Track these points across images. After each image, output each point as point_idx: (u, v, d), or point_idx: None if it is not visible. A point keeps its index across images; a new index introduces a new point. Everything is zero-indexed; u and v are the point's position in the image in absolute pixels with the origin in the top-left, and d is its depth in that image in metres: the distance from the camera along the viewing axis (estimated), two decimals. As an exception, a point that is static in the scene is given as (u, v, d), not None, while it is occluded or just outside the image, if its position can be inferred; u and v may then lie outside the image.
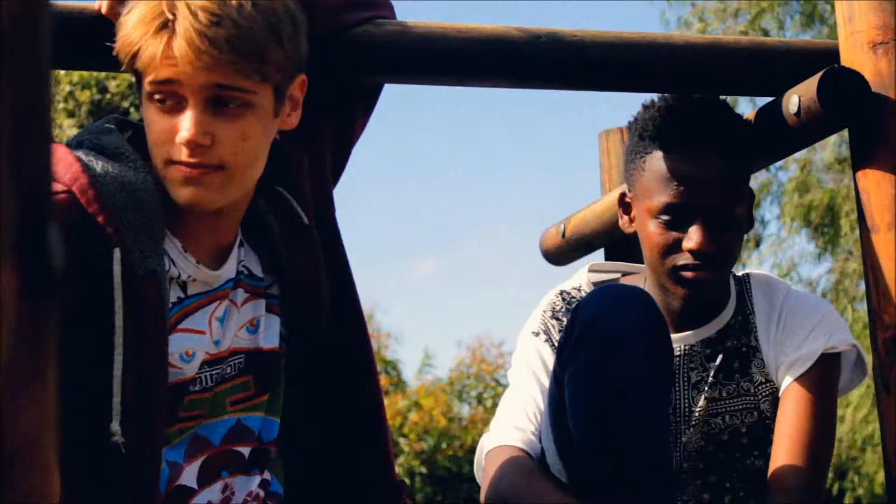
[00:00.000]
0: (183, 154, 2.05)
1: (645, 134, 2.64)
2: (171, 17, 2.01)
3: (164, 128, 2.06)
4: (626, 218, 2.73)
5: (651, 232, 2.61)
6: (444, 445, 20.87)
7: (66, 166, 2.05)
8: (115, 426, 2.01)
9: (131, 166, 2.09)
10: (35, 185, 0.70)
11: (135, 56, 2.05)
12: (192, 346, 2.15)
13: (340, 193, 2.44)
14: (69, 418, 1.97)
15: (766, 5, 13.70)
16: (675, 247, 2.58)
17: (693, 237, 2.55)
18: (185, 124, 2.04)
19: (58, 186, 2.03)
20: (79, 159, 2.06)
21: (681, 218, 2.57)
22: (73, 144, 2.14)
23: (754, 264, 14.30)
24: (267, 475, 2.27)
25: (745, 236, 2.75)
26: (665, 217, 2.58)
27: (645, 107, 2.70)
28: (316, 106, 2.29)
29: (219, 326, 2.19)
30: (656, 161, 2.60)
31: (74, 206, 2.02)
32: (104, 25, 2.20)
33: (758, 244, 14.47)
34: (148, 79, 2.06)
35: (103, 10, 2.19)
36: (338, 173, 2.47)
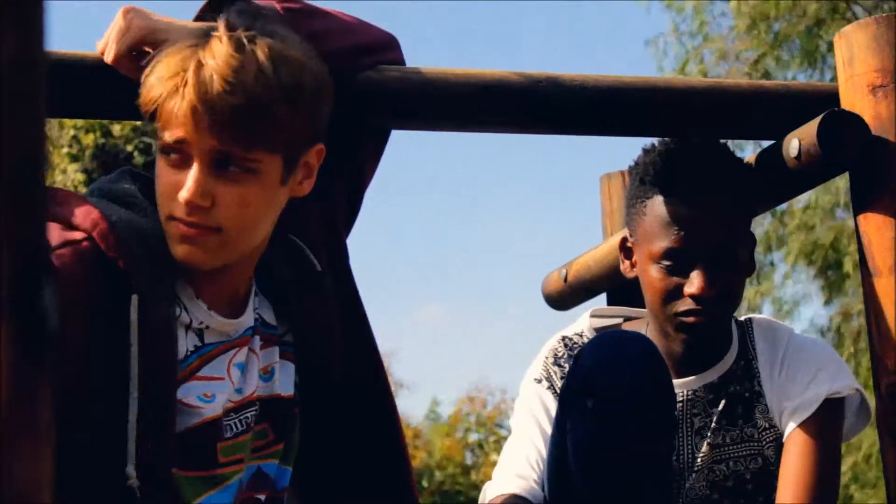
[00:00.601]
0: (182, 211, 2.07)
1: (646, 178, 2.63)
2: (189, 77, 2.03)
3: (170, 182, 2.09)
4: (627, 263, 2.73)
5: (652, 277, 2.60)
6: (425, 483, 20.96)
7: (85, 213, 2.07)
8: (130, 469, 2.01)
9: (143, 214, 2.11)
10: (31, 243, 0.70)
11: (152, 111, 2.08)
12: (209, 389, 2.16)
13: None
14: (85, 460, 1.98)
15: (767, 49, 13.71)
16: (676, 292, 2.57)
17: (694, 282, 2.54)
18: (187, 184, 2.06)
19: (77, 233, 2.05)
20: (96, 206, 2.08)
21: (682, 263, 2.57)
22: (87, 193, 2.17)
23: (757, 306, 14.27)
24: None
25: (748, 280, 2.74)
26: (666, 262, 2.58)
27: (645, 151, 2.70)
28: (325, 154, 2.31)
29: (238, 373, 2.20)
30: (657, 206, 2.60)
31: (95, 252, 2.03)
32: (105, 73, 2.22)
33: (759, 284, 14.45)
34: (161, 133, 2.08)
35: (108, 59, 2.19)
36: (351, 220, 2.48)
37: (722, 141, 2.73)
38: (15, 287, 0.68)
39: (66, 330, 1.98)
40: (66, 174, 17.65)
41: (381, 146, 2.52)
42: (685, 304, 2.56)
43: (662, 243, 2.57)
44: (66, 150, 17.87)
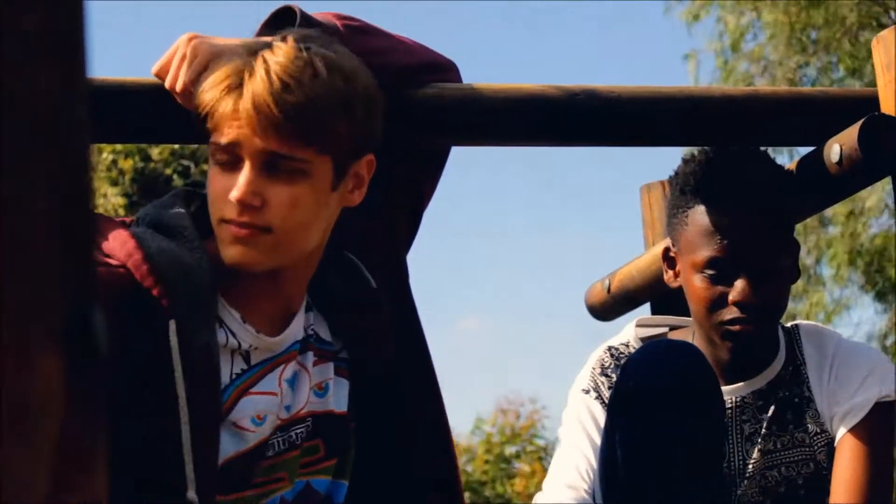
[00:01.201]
0: (233, 212, 2.09)
1: (686, 188, 2.63)
2: (245, 77, 2.07)
3: (221, 185, 2.11)
4: (670, 272, 2.73)
5: (696, 286, 2.60)
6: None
7: (121, 243, 2.09)
8: (192, 495, 2.03)
9: (188, 246, 2.12)
10: (81, 268, 0.71)
11: (204, 115, 2.11)
12: (264, 409, 2.17)
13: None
14: (143, 490, 1.99)
15: (808, 58, 13.63)
16: (721, 301, 2.57)
17: (739, 291, 2.54)
18: (239, 183, 2.08)
19: (112, 262, 2.07)
20: (133, 235, 2.10)
21: (726, 271, 2.56)
22: (139, 219, 2.19)
23: (802, 315, 14.16)
24: None
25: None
26: (710, 271, 2.57)
27: (685, 161, 2.70)
28: (381, 169, 2.33)
29: (288, 389, 2.21)
30: (699, 215, 2.60)
31: (130, 281, 2.05)
32: (148, 97, 2.25)
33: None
34: (213, 137, 2.11)
35: (178, 88, 2.20)
36: (410, 238, 2.49)
37: (762, 148, 2.72)
38: (65, 314, 0.68)
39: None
40: (107, 198, 17.74)
41: (441, 165, 2.52)
42: (731, 313, 2.56)
43: (705, 253, 2.57)
44: (104, 174, 17.97)
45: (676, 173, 2.71)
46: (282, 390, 2.20)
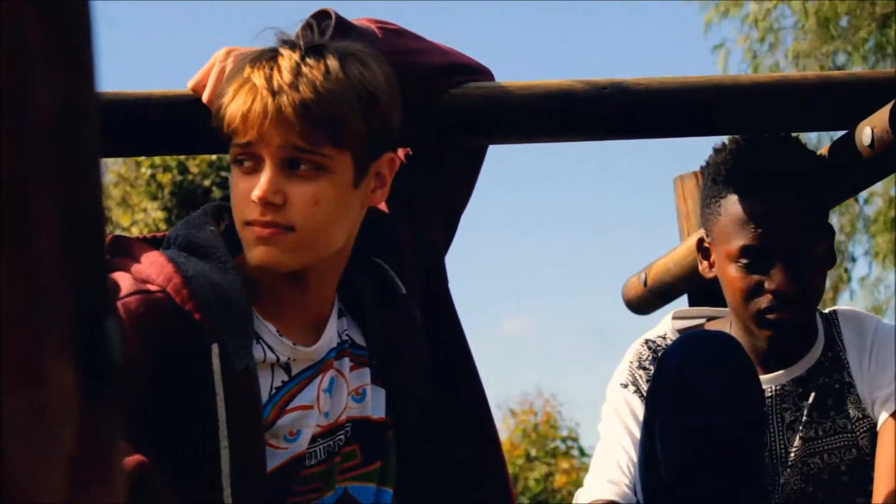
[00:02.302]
0: (256, 212, 2.09)
1: (718, 178, 2.62)
2: (251, 81, 2.08)
3: (243, 188, 2.12)
4: (705, 263, 2.72)
5: (732, 276, 2.59)
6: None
7: (159, 268, 2.09)
8: None
9: (221, 267, 2.12)
10: (91, 278, 0.70)
11: (221, 121, 2.12)
12: (297, 425, 2.17)
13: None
14: None
15: (838, 45, 13.55)
16: (757, 290, 2.56)
17: (775, 279, 2.53)
18: (260, 182, 2.09)
19: (152, 287, 2.07)
20: (170, 259, 2.11)
21: (761, 260, 2.55)
22: (171, 239, 2.19)
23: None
24: None
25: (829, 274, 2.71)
26: (745, 260, 2.56)
27: (716, 150, 2.68)
28: (414, 172, 2.32)
29: (327, 398, 2.21)
30: (732, 205, 2.58)
31: (171, 304, 2.06)
32: (173, 110, 2.28)
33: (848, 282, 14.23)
34: (233, 142, 2.12)
35: (204, 99, 2.24)
36: (448, 240, 2.49)
37: (793, 134, 2.70)
38: (76, 324, 0.68)
39: (143, 377, 2.00)
40: (147, 213, 17.83)
41: (477, 166, 2.52)
42: (767, 301, 2.54)
43: (739, 242, 2.56)
44: (144, 188, 18.06)
45: (708, 163, 2.69)
46: (319, 402, 2.20)
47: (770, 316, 2.55)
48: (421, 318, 2.34)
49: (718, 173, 2.63)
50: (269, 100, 2.06)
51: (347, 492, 2.25)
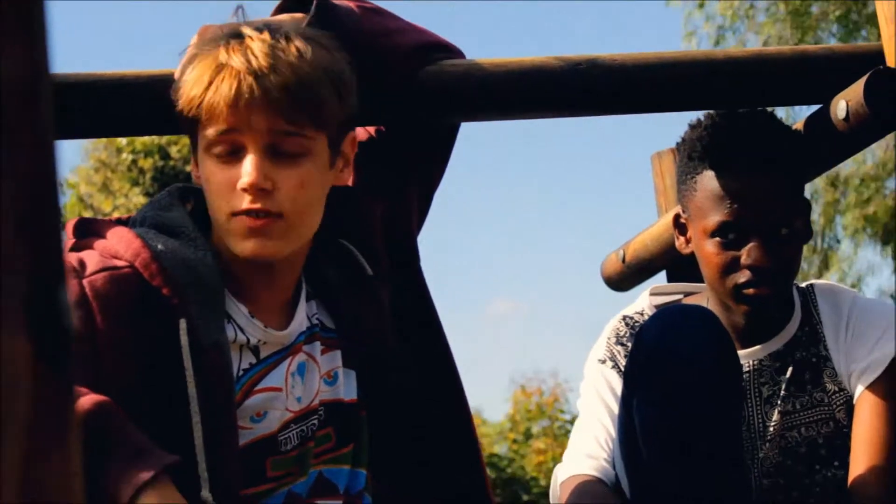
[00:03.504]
0: (245, 202, 2.06)
1: (693, 154, 2.62)
2: (230, 66, 2.05)
3: (224, 179, 2.09)
4: (682, 239, 2.72)
5: (708, 252, 2.59)
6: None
7: (128, 243, 2.08)
8: (206, 493, 2.01)
9: (192, 244, 2.11)
10: (45, 248, 0.70)
11: (197, 110, 2.08)
12: (265, 407, 2.16)
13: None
14: None
15: (812, 22, 13.60)
16: (733, 265, 2.56)
17: (751, 254, 2.53)
18: (246, 169, 2.06)
19: (120, 262, 2.06)
20: (138, 236, 2.09)
21: (737, 236, 2.56)
22: (137, 221, 2.17)
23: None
24: None
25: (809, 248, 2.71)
26: (721, 236, 2.57)
27: (691, 126, 2.69)
28: (386, 151, 2.31)
29: (297, 381, 2.20)
30: (707, 181, 2.59)
31: (138, 280, 2.04)
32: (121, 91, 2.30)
33: (826, 263, 14.29)
34: (208, 131, 2.08)
35: None
36: (421, 220, 2.48)
37: (768, 109, 2.70)
38: (30, 294, 0.68)
39: (110, 352, 1.98)
40: (128, 198, 17.81)
41: (448, 145, 2.52)
42: (744, 276, 2.55)
43: (715, 218, 2.56)
44: (125, 174, 18.04)
45: (683, 139, 2.70)
46: (287, 384, 2.19)
47: (747, 291, 2.56)
48: (389, 299, 2.33)
49: (694, 149, 2.63)
50: (255, 84, 2.03)
51: (322, 475, 2.24)
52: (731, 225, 2.55)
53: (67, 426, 0.68)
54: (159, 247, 2.08)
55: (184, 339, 2.03)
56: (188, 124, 2.12)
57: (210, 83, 2.06)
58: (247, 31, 2.10)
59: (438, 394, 2.38)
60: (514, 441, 24.56)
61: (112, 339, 1.99)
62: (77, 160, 19.30)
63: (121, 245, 2.08)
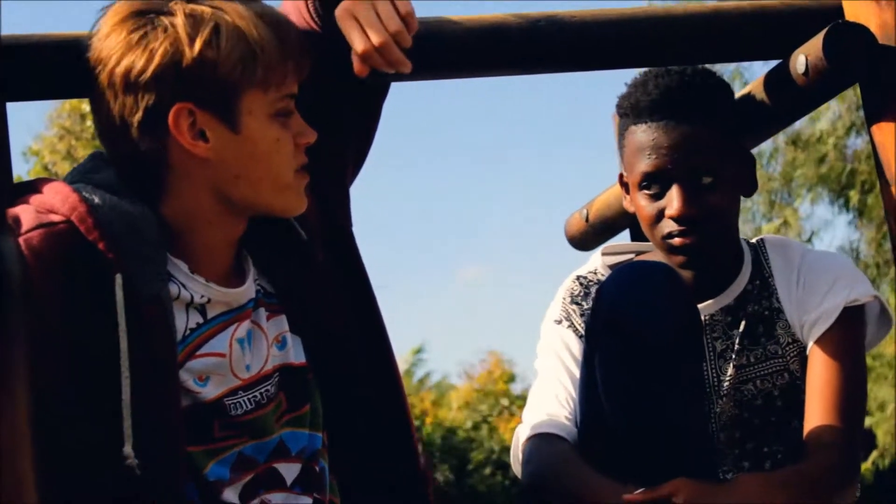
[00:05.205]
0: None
1: (621, 111, 2.68)
2: (259, 32, 2.12)
3: (286, 147, 2.19)
4: (627, 198, 2.74)
5: (639, 205, 2.64)
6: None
7: (64, 197, 2.05)
8: (128, 449, 1.99)
9: (127, 199, 2.09)
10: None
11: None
12: (208, 371, 2.15)
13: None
14: (86, 444, 1.97)
15: None
16: (660, 216, 2.61)
17: (673, 204, 2.57)
18: (302, 130, 2.21)
19: (54, 216, 2.03)
20: (76, 190, 2.07)
21: (661, 186, 2.60)
22: (68, 181, 2.14)
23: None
24: (319, 496, 2.26)
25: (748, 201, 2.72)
26: (646, 188, 2.61)
27: (626, 85, 2.71)
28: (315, 112, 2.29)
29: (243, 349, 2.19)
30: (631, 135, 2.64)
31: (74, 235, 2.02)
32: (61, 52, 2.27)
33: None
34: (268, 96, 2.16)
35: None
36: (353, 177, 2.46)
37: (703, 66, 2.71)
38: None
39: (44, 311, 1.96)
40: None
41: (381, 99, 2.49)
42: (669, 226, 2.59)
43: (640, 169, 2.61)
44: (89, 142, 17.94)
45: (618, 99, 2.71)
46: (231, 350, 2.17)
47: (673, 241, 2.58)
48: (326, 263, 2.32)
49: (622, 106, 2.67)
50: (286, 47, 2.16)
51: (282, 440, 2.23)
52: (653, 175, 2.60)
53: (16, 370, 0.68)
54: (96, 200, 2.06)
55: (119, 294, 2.01)
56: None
57: (265, 52, 2.13)
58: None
59: (372, 357, 2.36)
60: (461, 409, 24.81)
61: (48, 296, 1.97)
62: (41, 127, 19.17)
63: (56, 199, 2.05)
